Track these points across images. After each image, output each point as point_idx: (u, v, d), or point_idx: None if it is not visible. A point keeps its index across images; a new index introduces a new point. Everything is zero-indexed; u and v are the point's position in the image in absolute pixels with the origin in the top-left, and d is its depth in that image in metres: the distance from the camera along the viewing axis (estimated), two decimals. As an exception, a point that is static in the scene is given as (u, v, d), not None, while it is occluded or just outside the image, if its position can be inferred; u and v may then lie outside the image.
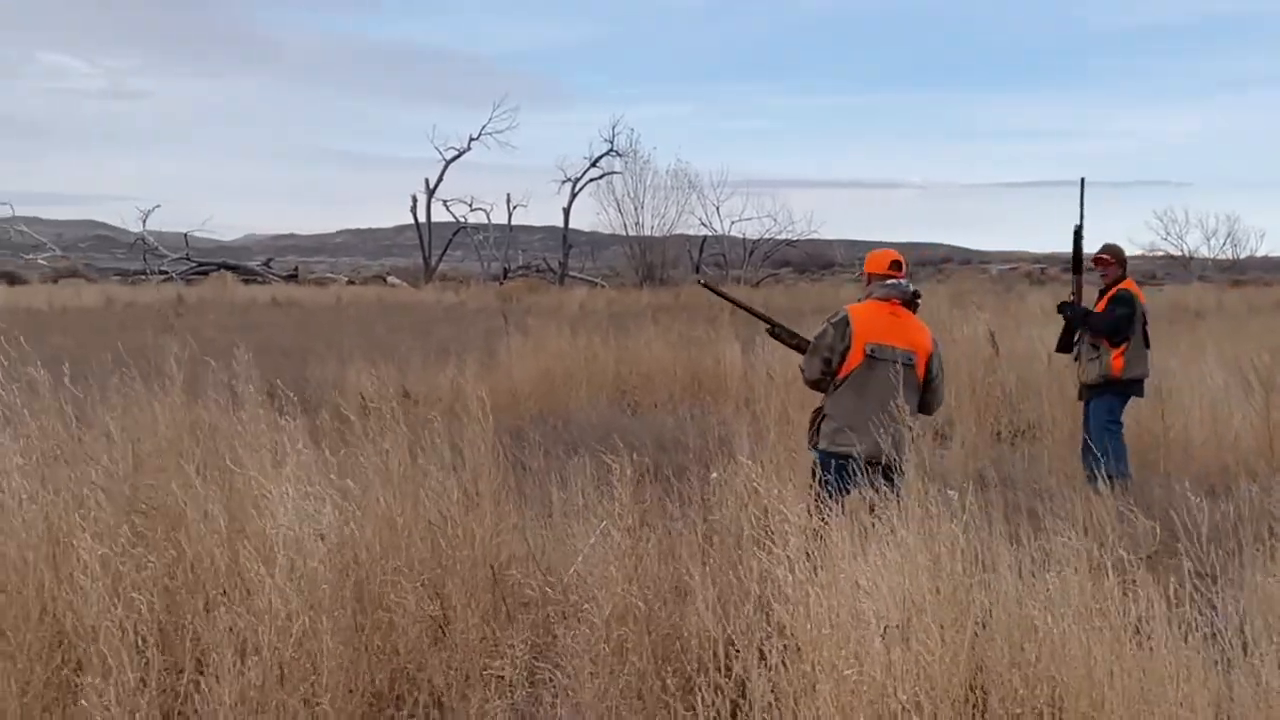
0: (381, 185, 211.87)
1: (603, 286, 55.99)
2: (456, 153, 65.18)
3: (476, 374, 15.27)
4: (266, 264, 71.69)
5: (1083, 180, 11.06)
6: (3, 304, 40.48)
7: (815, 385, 7.76)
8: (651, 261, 58.56)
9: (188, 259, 68.16)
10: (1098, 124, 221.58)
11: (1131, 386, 10.90)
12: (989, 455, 11.37)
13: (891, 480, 6.53)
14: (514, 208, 65.40)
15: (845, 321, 7.59)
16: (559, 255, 65.25)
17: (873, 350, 7.48)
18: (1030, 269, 69.04)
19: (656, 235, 59.55)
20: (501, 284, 54.75)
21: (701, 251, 64.87)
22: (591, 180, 62.59)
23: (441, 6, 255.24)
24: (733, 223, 63.75)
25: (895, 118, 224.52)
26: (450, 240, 67.20)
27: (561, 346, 16.37)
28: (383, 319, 31.95)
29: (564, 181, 63.43)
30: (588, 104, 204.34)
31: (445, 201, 66.15)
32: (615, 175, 60.96)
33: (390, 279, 65.30)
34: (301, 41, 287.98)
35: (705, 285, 8.83)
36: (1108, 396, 10.81)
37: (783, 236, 63.53)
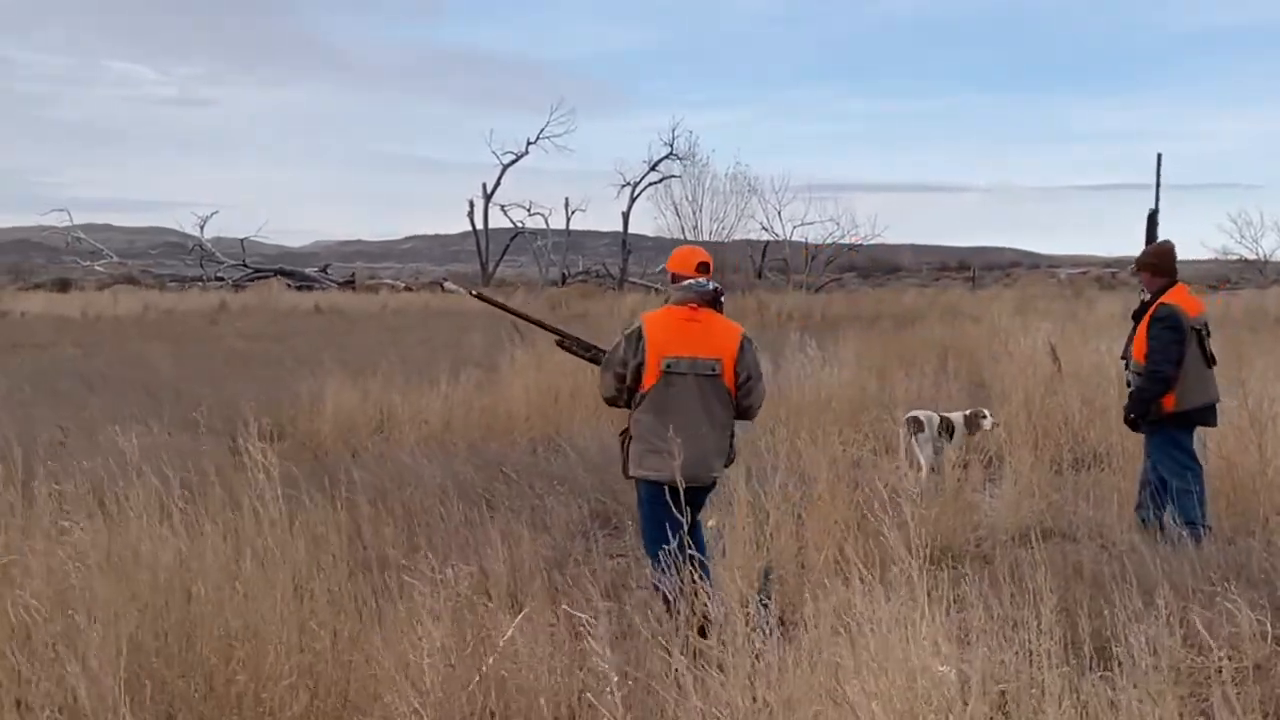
0: (450, 190, 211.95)
1: (659, 291, 54.47)
2: (514, 157, 64.17)
3: (468, 394, 13.74)
4: (323, 270, 70.85)
5: (1159, 156, 9.72)
6: (40, 311, 39.72)
7: (613, 403, 7.11)
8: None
9: (244, 265, 67.47)
10: (1168, 125, 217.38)
11: (1195, 417, 8.84)
12: (1047, 495, 9.58)
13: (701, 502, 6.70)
14: (572, 212, 64.32)
15: (638, 334, 6.90)
16: (636, 262, 63.93)
17: (669, 365, 6.84)
18: (1100, 273, 66.86)
19: (715, 240, 58.02)
20: (560, 289, 53.43)
21: (764, 256, 63.50)
22: (651, 184, 61.28)
23: (507, 12, 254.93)
24: (794, 227, 62.19)
25: (962, 120, 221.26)
26: (508, 245, 66.22)
27: (568, 360, 14.67)
28: (418, 327, 30.62)
29: (623, 185, 62.25)
30: (654, 108, 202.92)
31: (503, 206, 65.08)
32: (674, 179, 59.61)
33: (447, 284, 64.10)
34: (368, 48, 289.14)
35: (478, 296, 7.83)
36: (1168, 429, 8.76)
37: (845, 241, 61.84)
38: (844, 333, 17.83)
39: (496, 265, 65.59)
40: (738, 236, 60.18)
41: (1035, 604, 5.46)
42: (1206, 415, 8.87)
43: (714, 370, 6.89)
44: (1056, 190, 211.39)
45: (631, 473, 6.87)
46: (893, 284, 65.14)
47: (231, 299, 45.98)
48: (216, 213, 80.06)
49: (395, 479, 9.56)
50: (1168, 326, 8.63)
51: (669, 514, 6.12)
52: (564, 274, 62.21)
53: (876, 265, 79.90)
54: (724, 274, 56.95)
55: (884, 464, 9.54)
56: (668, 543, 6.09)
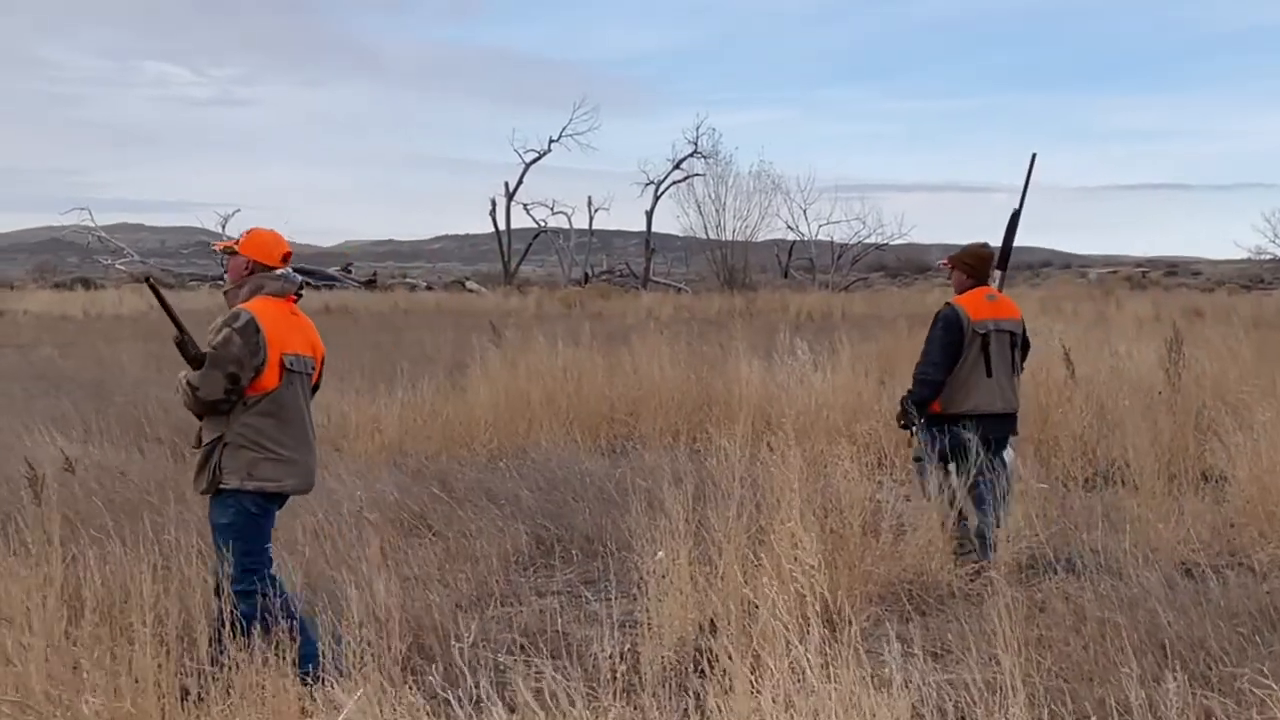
0: (480, 190, 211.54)
1: (680, 291, 53.53)
2: (536, 155, 63.31)
3: (435, 400, 12.69)
4: (345, 269, 70.08)
5: (1033, 157, 9.20)
6: (43, 310, 39.10)
7: (214, 408, 5.89)
8: (733, 265, 56.14)
9: (265, 264, 66.71)
10: (1204, 125, 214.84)
11: (963, 424, 8.13)
12: (1053, 516, 8.45)
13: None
14: (595, 211, 63.30)
15: (254, 328, 5.88)
16: (653, 259, 62.96)
17: (290, 362, 6.03)
18: (1131, 272, 65.49)
19: (739, 239, 57.18)
20: (582, 288, 52.51)
21: (790, 255, 62.58)
22: (674, 183, 60.36)
23: (539, 13, 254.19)
24: (820, 226, 61.15)
25: (995, 120, 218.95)
26: (530, 244, 65.27)
27: (544, 364, 13.60)
28: (419, 327, 29.56)
29: (646, 184, 61.35)
30: (684, 108, 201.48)
31: (525, 205, 64.14)
32: (697, 178, 58.74)
33: (469, 284, 63.51)
34: (403, 49, 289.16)
35: (148, 283, 6.48)
36: (931, 429, 8.25)
37: (871, 240, 60.69)
38: (851, 333, 16.65)
39: (518, 264, 64.72)
40: (762, 235, 59.37)
41: (1010, 681, 4.38)
42: (975, 424, 8.16)
43: (313, 368, 6.23)
44: (1090, 190, 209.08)
45: (232, 485, 5.81)
46: (920, 283, 63.99)
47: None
48: (239, 211, 78.97)
49: (311, 501, 8.45)
50: (940, 328, 8.36)
51: (268, 531, 5.89)
52: (587, 273, 61.23)
53: (905, 265, 78.74)
54: (747, 273, 56.23)
55: (867, 485, 8.36)
56: (269, 565, 5.71)
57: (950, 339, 8.23)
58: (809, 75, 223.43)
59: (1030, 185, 9.11)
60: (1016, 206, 8.99)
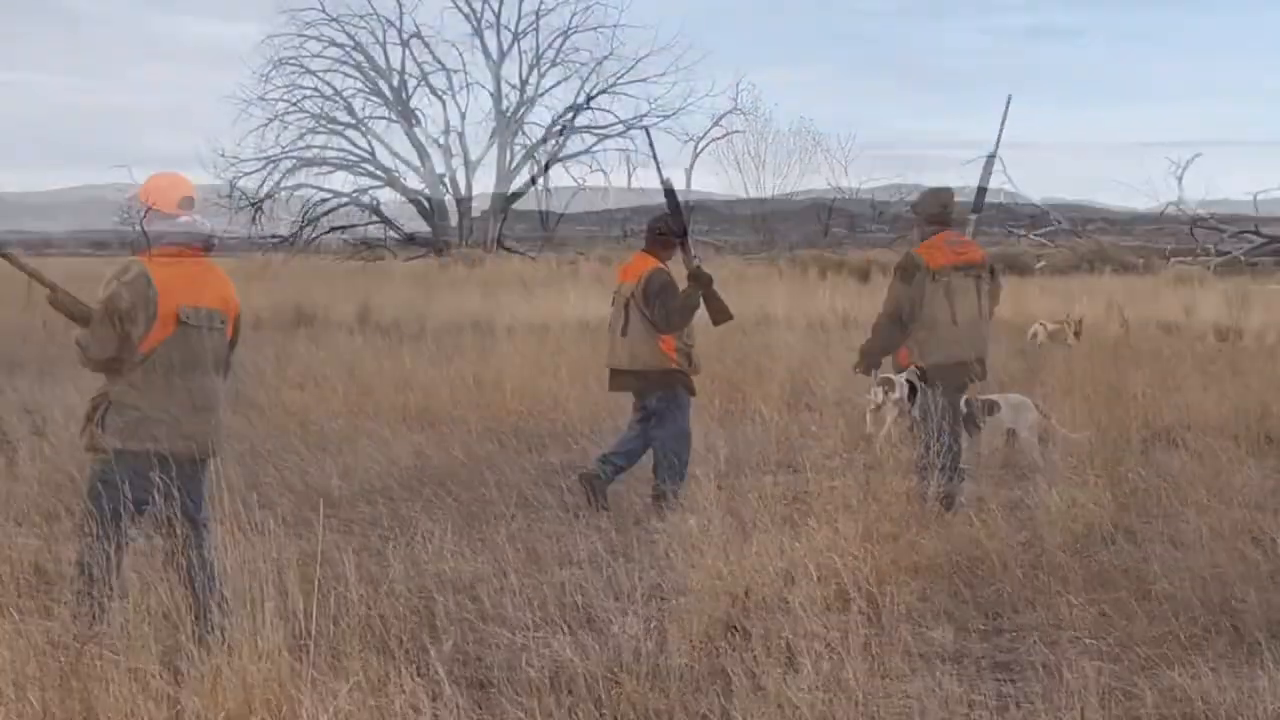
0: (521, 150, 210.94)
1: (720, 249, 53.13)
2: (572, 114, 62.83)
3: (466, 363, 12.33)
4: (387, 227, 69.88)
5: (1009, 99, 9.26)
6: (81, 274, 38.93)
7: (107, 365, 5.56)
8: (772, 224, 55.89)
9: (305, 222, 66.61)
10: (1252, 80, 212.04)
11: (939, 375, 8.10)
12: (1108, 485, 7.96)
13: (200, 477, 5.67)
14: (634, 169, 62.72)
15: (145, 280, 5.49)
16: (701, 221, 62.48)
17: (188, 316, 5.61)
18: (1176, 229, 64.59)
19: (778, 196, 56.91)
20: (620, 245, 52.17)
21: (830, 214, 62.08)
22: (713, 140, 59.82)
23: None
24: (861, 184, 60.55)
25: (1037, 75, 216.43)
26: (568, 204, 64.91)
27: (572, 330, 13.21)
28: (452, 286, 29.30)
29: (686, 141, 60.73)
30: (725, 64, 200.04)
31: (564, 163, 63.63)
32: (736, 134, 58.22)
33: (506, 243, 63.27)
34: (431, 12, 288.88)
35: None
36: (937, 387, 8.08)
37: (912, 198, 59.98)
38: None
39: (557, 223, 64.45)
40: (801, 193, 58.96)
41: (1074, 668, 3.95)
42: (951, 373, 8.20)
43: (223, 323, 5.82)
44: (1135, 146, 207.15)
45: (109, 445, 5.48)
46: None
47: (273, 260, 44.85)
48: (276, 163, 78.09)
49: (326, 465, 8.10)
50: (899, 278, 8.24)
51: (145, 495, 5.32)
52: (625, 232, 60.84)
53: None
54: (787, 231, 55.86)
55: (910, 450, 7.90)
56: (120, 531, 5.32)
57: (909, 288, 8.11)
58: (849, 30, 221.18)
59: (1005, 128, 9.08)
60: (992, 150, 8.98)
